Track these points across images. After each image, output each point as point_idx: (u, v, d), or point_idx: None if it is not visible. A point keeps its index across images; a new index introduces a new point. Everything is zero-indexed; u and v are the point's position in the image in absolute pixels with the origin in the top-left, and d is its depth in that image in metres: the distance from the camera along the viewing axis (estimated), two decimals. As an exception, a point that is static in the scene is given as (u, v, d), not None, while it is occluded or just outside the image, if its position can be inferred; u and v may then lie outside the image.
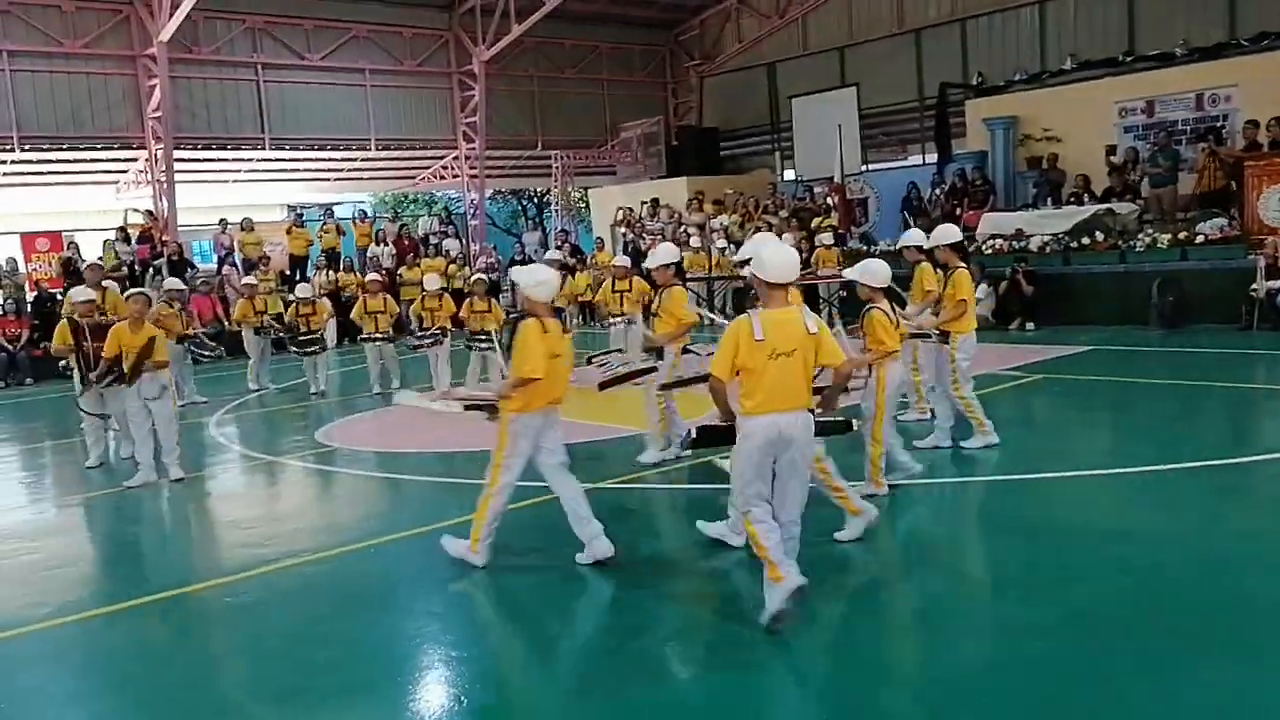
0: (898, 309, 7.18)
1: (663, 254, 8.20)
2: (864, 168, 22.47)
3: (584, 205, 30.79)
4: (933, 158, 20.95)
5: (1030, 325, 15.06)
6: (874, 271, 6.82)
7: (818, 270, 18.04)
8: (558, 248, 22.86)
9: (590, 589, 5.61)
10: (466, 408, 6.21)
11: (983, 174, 18.89)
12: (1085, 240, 15.53)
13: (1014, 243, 16.17)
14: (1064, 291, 15.14)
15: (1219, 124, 16.57)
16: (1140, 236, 15.12)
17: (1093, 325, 14.44)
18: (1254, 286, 13.34)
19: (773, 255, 4.96)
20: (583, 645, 5.00)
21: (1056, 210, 16.82)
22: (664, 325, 8.06)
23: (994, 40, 21.88)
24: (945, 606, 5.11)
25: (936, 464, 7.46)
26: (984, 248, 16.53)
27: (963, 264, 7.98)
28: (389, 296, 14.54)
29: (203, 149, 22.13)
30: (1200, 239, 14.37)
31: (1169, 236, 14.71)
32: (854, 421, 5.91)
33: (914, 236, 8.71)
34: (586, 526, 5.81)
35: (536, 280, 5.71)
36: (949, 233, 8.22)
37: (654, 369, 7.95)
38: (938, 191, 19.52)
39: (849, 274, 7.07)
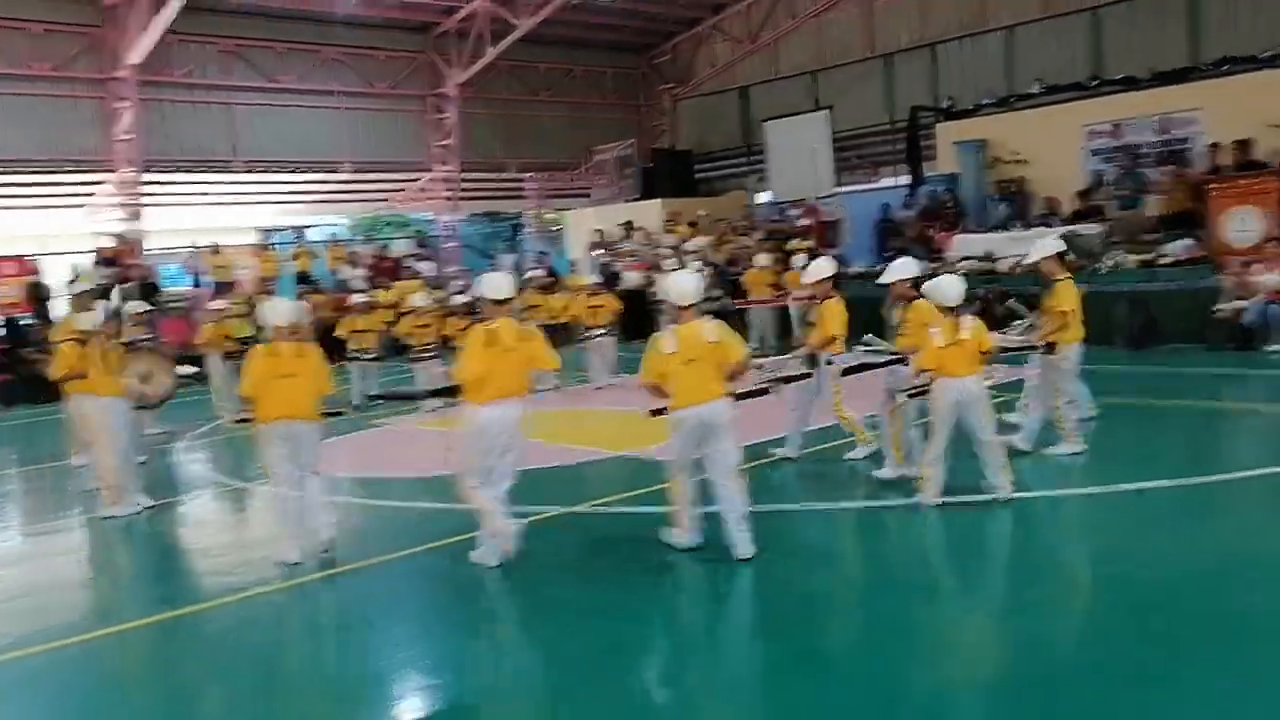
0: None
1: (819, 269, 8.58)
2: (837, 189, 22.63)
3: (559, 228, 30.82)
4: (904, 180, 21.11)
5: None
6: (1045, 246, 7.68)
7: (791, 292, 18.12)
8: (534, 267, 22.87)
9: (561, 614, 5.59)
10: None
11: (953, 196, 19.05)
12: (1063, 247, 15.65)
13: (984, 264, 16.31)
14: (1034, 311, 15.27)
15: (1183, 147, 16.81)
16: (1107, 258, 15.27)
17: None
18: (1219, 307, 13.51)
19: (677, 283, 6.33)
20: (555, 671, 4.97)
21: (1025, 232, 16.97)
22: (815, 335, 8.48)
23: (963, 64, 22.15)
24: (930, 626, 5.13)
25: (904, 486, 7.46)
26: (956, 270, 16.65)
27: (1064, 275, 8.13)
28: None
29: (173, 172, 22.01)
30: (1166, 260, 14.55)
31: (1135, 258, 14.88)
32: (771, 388, 7.15)
33: (902, 268, 8.16)
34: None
35: (495, 285, 6.50)
36: (1052, 245, 8.37)
37: (809, 375, 8.37)
38: (909, 214, 19.67)
39: (1027, 260, 7.95)
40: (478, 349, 6.19)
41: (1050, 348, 8.02)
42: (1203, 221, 15.06)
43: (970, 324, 6.91)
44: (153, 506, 8.52)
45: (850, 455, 8.43)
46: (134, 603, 6.44)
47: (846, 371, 8.28)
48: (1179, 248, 14.71)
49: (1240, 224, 14.39)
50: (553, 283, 21.94)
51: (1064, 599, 5.28)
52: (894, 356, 7.89)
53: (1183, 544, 6.19)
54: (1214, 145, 15.67)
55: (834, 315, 8.29)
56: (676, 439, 6.18)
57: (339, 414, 7.45)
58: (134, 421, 8.80)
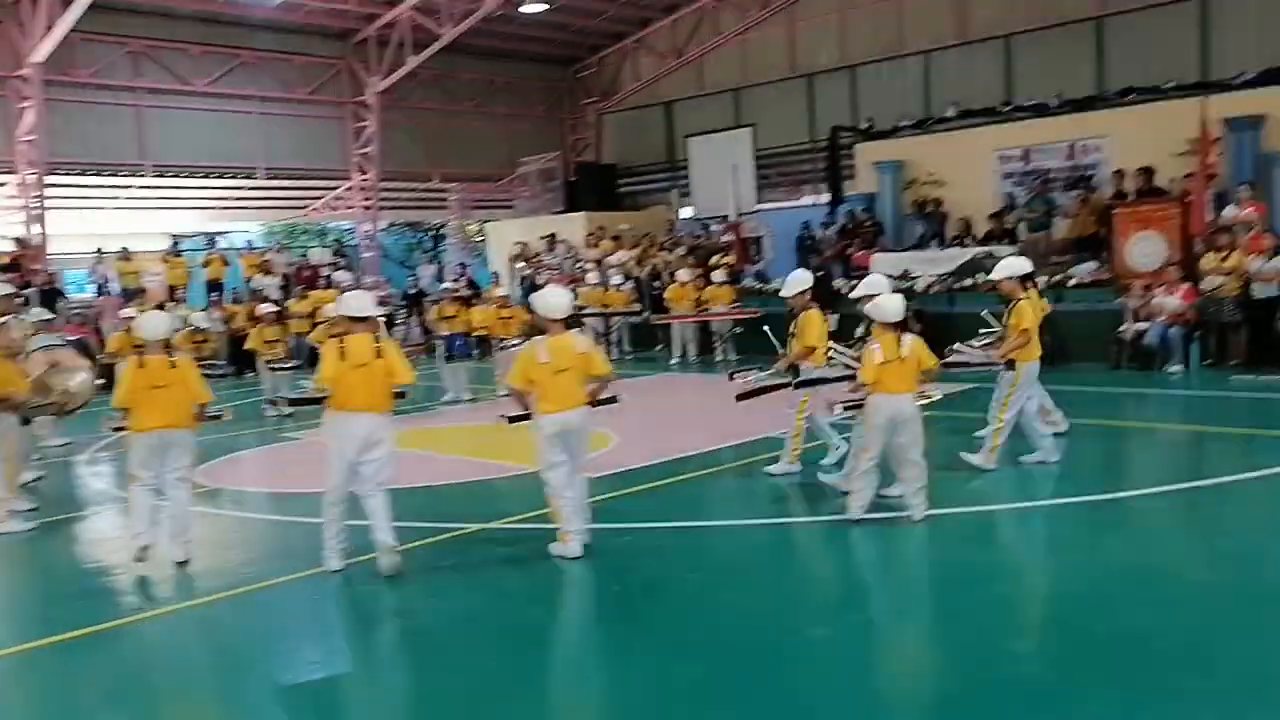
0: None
1: (797, 281, 8.62)
2: (759, 207, 22.86)
3: (481, 239, 30.61)
4: (825, 198, 21.42)
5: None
6: (1010, 266, 7.87)
7: (710, 307, 18.26)
8: (455, 280, 22.66)
9: (467, 630, 5.51)
10: None
11: (872, 215, 19.40)
12: (968, 281, 16.03)
13: (901, 283, 16.60)
14: (949, 331, 15.54)
15: (1090, 173, 17.34)
16: (1019, 279, 15.66)
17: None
18: (1122, 328, 13.94)
19: (549, 298, 6.76)
20: (461, 689, 4.90)
21: (941, 252, 17.35)
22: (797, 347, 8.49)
23: (882, 87, 22.56)
24: (824, 647, 5.16)
25: (810, 502, 7.52)
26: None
27: (1024, 295, 8.35)
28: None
29: (79, 175, 21.34)
30: (1073, 282, 14.97)
31: (1044, 279, 15.27)
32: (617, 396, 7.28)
33: (874, 283, 8.26)
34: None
35: (352, 303, 6.84)
36: (1017, 265, 8.57)
37: (789, 384, 8.45)
38: (829, 232, 19.96)
39: (991, 277, 8.19)
40: (332, 362, 6.44)
41: (1010, 364, 8.23)
42: (1108, 245, 15.55)
43: (910, 342, 7.00)
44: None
45: (822, 462, 8.52)
46: (27, 623, 6.18)
47: (800, 384, 8.33)
48: (1085, 270, 15.18)
49: (1143, 248, 14.87)
50: (472, 295, 21.84)
51: (963, 619, 5.34)
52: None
53: (1084, 561, 6.34)
54: (1119, 172, 16.20)
55: (814, 326, 8.31)
56: (544, 443, 6.55)
57: (216, 418, 7.49)
58: (27, 434, 8.44)
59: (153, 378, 6.76)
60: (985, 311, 9.23)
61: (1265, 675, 4.47)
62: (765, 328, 9.08)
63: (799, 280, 8.65)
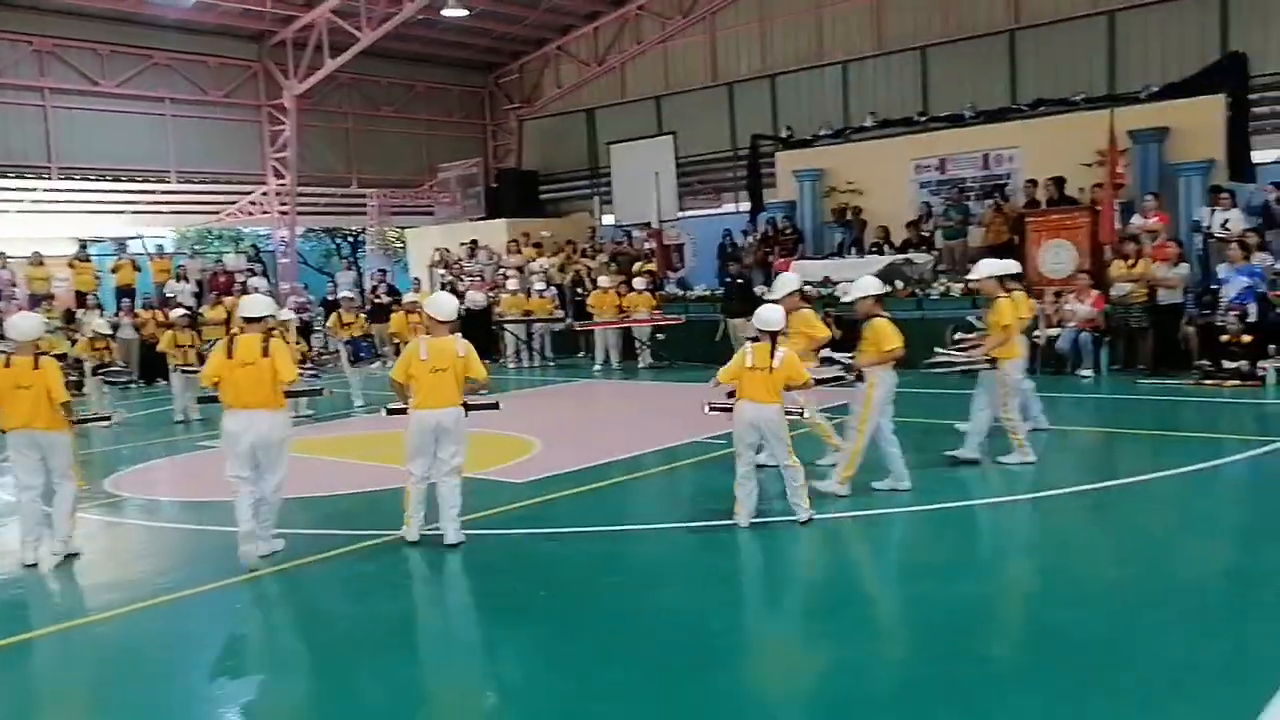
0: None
1: (784, 284, 8.64)
2: (680, 214, 22.96)
3: (401, 245, 30.26)
4: (746, 206, 21.61)
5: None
6: (865, 286, 7.87)
7: (631, 314, 18.28)
8: (373, 289, 22.37)
9: (388, 638, 5.41)
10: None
11: (792, 223, 19.62)
12: (887, 288, 16.26)
13: (821, 289, 16.81)
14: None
15: (1004, 181, 17.76)
16: (935, 285, 15.96)
17: (896, 369, 15.09)
18: (1036, 333, 14.28)
19: (438, 300, 7.23)
20: (382, 698, 4.80)
21: (860, 259, 17.60)
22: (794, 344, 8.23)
23: (801, 96, 22.83)
24: (753, 643, 5.18)
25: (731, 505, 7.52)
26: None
27: (1004, 294, 8.50)
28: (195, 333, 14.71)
29: (-19, 176, 20.61)
30: (988, 289, 15.29)
31: (961, 285, 15.60)
32: (498, 402, 7.62)
33: (785, 283, 8.67)
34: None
35: (248, 305, 7.14)
36: (996, 265, 8.76)
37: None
38: (750, 239, 20.13)
39: (846, 298, 8.16)
40: (216, 361, 6.81)
41: (993, 362, 8.41)
42: (1021, 253, 15.91)
43: (783, 355, 7.05)
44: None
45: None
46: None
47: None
48: (1000, 277, 15.49)
49: (1054, 256, 15.28)
50: (391, 302, 21.59)
51: (873, 619, 5.41)
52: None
53: (1001, 560, 6.47)
54: (1031, 181, 16.62)
55: (812, 325, 8.36)
56: (413, 436, 6.86)
57: (95, 420, 7.98)
58: None
59: (17, 378, 6.85)
60: (971, 317, 9.44)
61: (1180, 666, 4.60)
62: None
63: (864, 286, 8.35)
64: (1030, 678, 4.56)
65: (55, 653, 5.62)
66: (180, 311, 15.05)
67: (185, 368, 13.61)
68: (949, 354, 9.16)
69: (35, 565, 6.90)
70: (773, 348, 7.04)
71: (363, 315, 16.31)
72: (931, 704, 4.30)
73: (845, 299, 9.02)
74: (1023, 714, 4.22)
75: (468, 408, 7.01)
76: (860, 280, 8.69)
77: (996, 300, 8.57)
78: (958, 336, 9.68)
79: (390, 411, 7.15)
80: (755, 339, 7.18)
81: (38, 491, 7.00)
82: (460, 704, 4.65)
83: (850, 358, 8.06)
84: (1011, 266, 9.09)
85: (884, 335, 7.85)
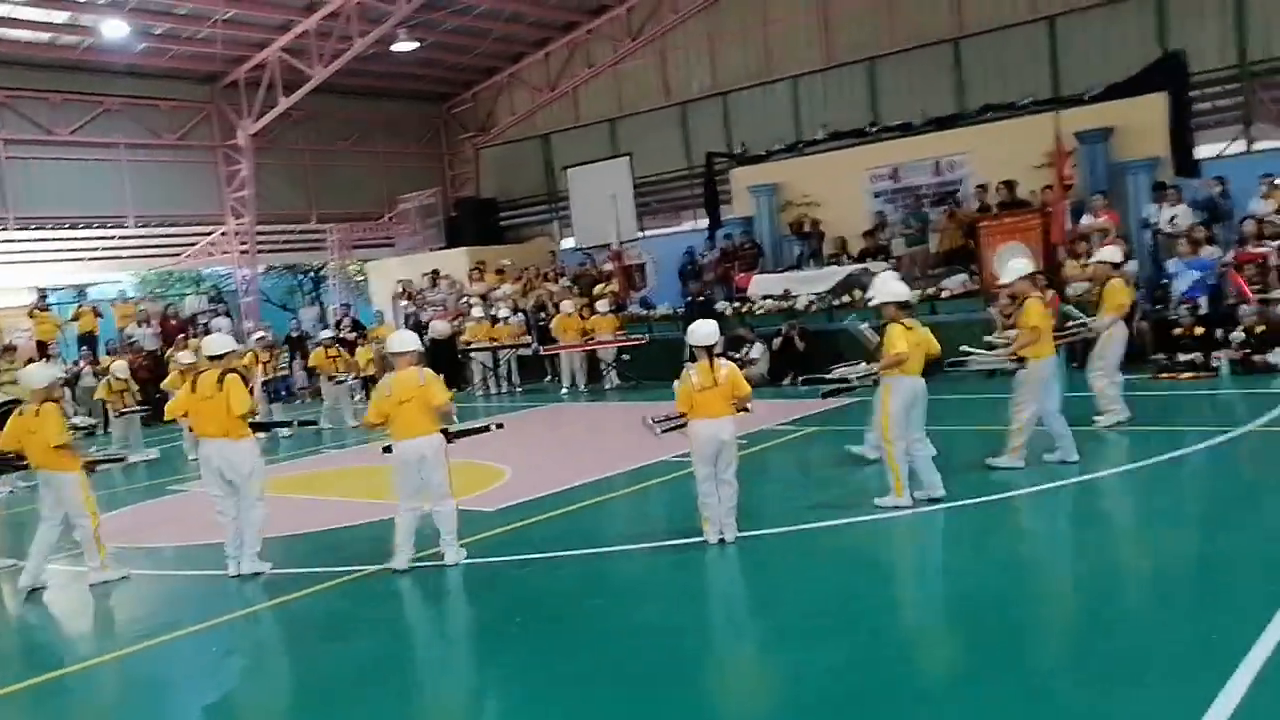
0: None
1: (1014, 269, 8.80)
2: (640, 234, 23.12)
3: (363, 279, 30.20)
4: (705, 223, 21.79)
5: (801, 380, 15.78)
6: (894, 291, 7.87)
7: (595, 336, 18.38)
8: (337, 323, 22.35)
9: (368, 672, 5.45)
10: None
11: (750, 238, 19.81)
12: (846, 298, 16.50)
13: (783, 302, 17.00)
14: (831, 347, 15.95)
15: (956, 187, 18.05)
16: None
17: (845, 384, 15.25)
18: (994, 336, 14.47)
19: (396, 337, 7.64)
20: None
21: (819, 271, 17.81)
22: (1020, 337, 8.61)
23: (753, 112, 23.06)
24: (726, 652, 5.27)
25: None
26: (756, 309, 17.31)
27: (1037, 294, 8.61)
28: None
29: (-65, 231, 20.43)
30: (946, 294, 15.52)
31: (918, 293, 15.79)
32: (492, 424, 8.24)
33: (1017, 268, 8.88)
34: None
35: (210, 343, 7.94)
36: (1024, 266, 8.83)
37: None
38: (708, 256, 20.28)
39: (873, 302, 8.13)
40: (181, 396, 7.78)
41: (1021, 361, 8.47)
42: (976, 258, 16.18)
43: (724, 368, 7.17)
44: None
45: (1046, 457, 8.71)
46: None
47: (829, 394, 8.86)
48: (955, 282, 15.75)
49: (1008, 259, 15.47)
50: (357, 336, 21.58)
51: (851, 621, 5.51)
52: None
53: (971, 560, 6.60)
54: (981, 186, 16.90)
55: (899, 335, 7.86)
56: (396, 469, 7.24)
57: (111, 461, 9.19)
58: None
59: (27, 425, 7.63)
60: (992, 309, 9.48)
61: (1143, 654, 4.74)
62: (864, 325, 9.13)
63: (1016, 268, 8.80)
64: (996, 675, 4.68)
65: (31, 706, 5.61)
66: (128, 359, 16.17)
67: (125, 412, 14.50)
68: (978, 353, 9.27)
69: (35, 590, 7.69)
70: (711, 361, 7.14)
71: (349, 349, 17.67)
72: (903, 707, 4.40)
73: (1003, 280, 9.08)
74: (989, 712, 4.34)
75: (456, 435, 7.47)
76: (1012, 262, 8.99)
77: (1027, 300, 8.57)
78: (987, 339, 9.86)
79: (386, 449, 7.37)
80: (694, 358, 7.25)
81: (54, 524, 7.71)
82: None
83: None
84: (1032, 266, 9.19)
85: (1031, 312, 8.22)
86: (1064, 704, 4.30)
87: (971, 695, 4.49)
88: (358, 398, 16.41)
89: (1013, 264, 9.08)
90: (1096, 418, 10.10)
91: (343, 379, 16.34)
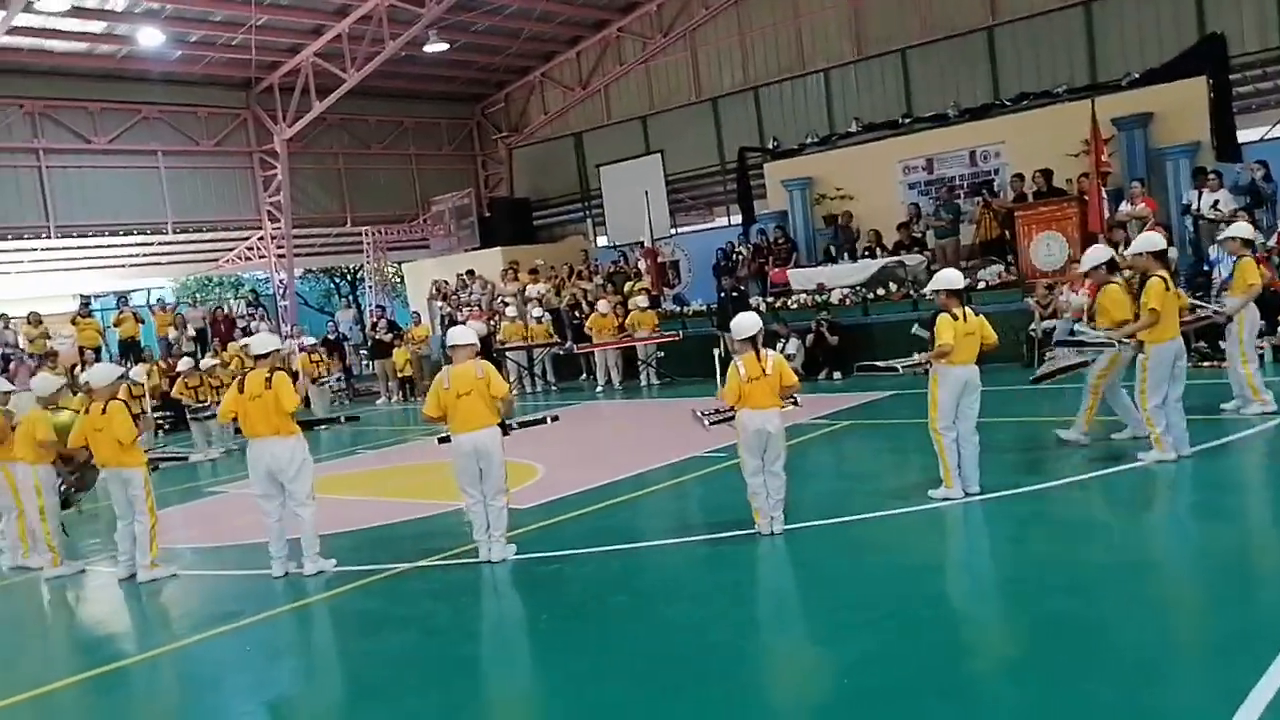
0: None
1: (1093, 257, 8.64)
2: (673, 231, 23.09)
3: (399, 280, 30.42)
4: (738, 219, 21.70)
5: (837, 374, 15.69)
6: (949, 279, 7.86)
7: (633, 333, 18.37)
8: (373, 325, 22.54)
9: (398, 670, 5.46)
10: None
11: (784, 232, 19.69)
12: (880, 291, 16.36)
13: (817, 296, 16.89)
14: (865, 340, 15.86)
15: (991, 178, 17.83)
16: (930, 285, 15.97)
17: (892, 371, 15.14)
18: (1032, 327, 14.33)
19: (454, 332, 7.59)
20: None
21: (853, 264, 17.68)
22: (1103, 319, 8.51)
23: (785, 106, 22.97)
24: (756, 648, 5.23)
25: (738, 516, 7.55)
26: (790, 303, 17.21)
27: (1161, 272, 8.09)
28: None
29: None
30: (981, 285, 15.34)
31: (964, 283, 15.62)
32: (548, 416, 8.42)
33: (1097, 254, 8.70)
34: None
35: (257, 342, 8.09)
36: (1154, 239, 8.47)
37: (1085, 362, 8.81)
38: (743, 251, 20.18)
39: (927, 291, 8.19)
40: (231, 397, 7.70)
41: (1141, 345, 8.09)
42: (1013, 248, 15.99)
43: (772, 358, 7.14)
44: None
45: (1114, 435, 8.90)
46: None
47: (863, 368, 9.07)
48: (992, 273, 15.56)
49: (1046, 249, 15.33)
50: (393, 338, 21.75)
51: (879, 617, 5.43)
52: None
53: (1004, 552, 6.50)
54: (1018, 175, 16.68)
55: (946, 326, 7.66)
56: (455, 462, 7.25)
57: (173, 459, 9.68)
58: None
59: (94, 422, 7.80)
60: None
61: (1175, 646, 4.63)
62: (915, 327, 9.04)
63: (1145, 242, 8.51)
64: (1018, 669, 4.60)
65: (71, 703, 5.68)
66: (186, 361, 16.39)
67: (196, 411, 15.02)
68: (1085, 331, 9.03)
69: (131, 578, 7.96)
70: (757, 353, 7.09)
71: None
72: (930, 703, 4.33)
73: (1128, 252, 8.86)
74: (1012, 706, 4.26)
75: (511, 427, 7.51)
76: (1141, 236, 8.80)
77: (1149, 280, 8.10)
78: (915, 331, 9.59)
79: (441, 440, 7.49)
80: (729, 354, 7.27)
81: (128, 521, 7.91)
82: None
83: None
84: (1163, 243, 8.70)
85: (1150, 292, 7.92)
86: (1105, 698, 4.21)
87: (1008, 688, 4.42)
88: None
89: (1143, 238, 8.75)
90: (1224, 406, 9.60)
91: (325, 380, 18.46)
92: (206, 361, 16.69)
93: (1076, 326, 9.62)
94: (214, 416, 14.99)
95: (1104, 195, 15.11)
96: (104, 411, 7.74)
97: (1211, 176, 14.80)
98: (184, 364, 16.57)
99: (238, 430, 7.76)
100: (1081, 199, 15.38)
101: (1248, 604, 5.10)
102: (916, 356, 8.39)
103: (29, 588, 8.49)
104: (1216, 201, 14.51)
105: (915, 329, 9.01)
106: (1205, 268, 13.92)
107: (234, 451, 14.25)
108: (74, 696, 5.75)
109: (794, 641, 5.46)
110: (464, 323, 20.39)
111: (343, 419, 11.20)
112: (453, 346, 7.44)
